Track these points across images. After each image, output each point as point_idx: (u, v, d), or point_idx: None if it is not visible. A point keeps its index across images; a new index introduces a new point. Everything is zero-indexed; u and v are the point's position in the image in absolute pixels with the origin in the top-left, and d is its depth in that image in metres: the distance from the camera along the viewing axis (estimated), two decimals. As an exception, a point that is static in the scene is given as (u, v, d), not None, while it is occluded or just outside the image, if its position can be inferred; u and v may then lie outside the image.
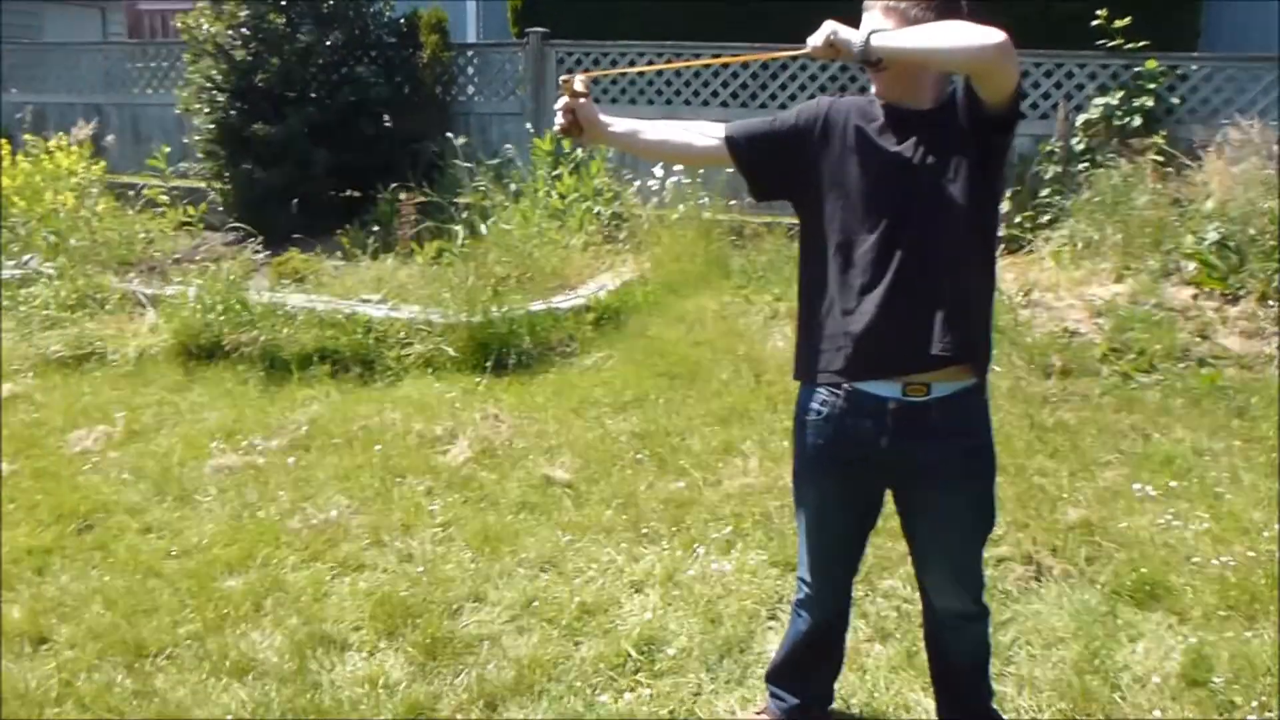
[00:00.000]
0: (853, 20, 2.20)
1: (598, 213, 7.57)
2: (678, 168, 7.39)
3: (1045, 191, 7.40)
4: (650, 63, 8.24)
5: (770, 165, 2.39)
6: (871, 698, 2.94)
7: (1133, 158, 7.11)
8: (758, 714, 2.82)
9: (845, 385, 2.30)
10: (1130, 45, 7.42)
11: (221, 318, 5.73)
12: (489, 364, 5.55)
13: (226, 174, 8.19)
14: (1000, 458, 2.51)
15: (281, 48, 7.87)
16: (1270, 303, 5.82)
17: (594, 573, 3.60)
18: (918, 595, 2.68)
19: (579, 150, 7.64)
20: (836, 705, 2.86)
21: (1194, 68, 7.63)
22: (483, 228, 7.07)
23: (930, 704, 2.81)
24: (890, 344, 2.23)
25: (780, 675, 2.78)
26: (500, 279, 6.18)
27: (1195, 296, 6.04)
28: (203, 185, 8.64)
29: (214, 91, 8.00)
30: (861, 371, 2.27)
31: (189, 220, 7.72)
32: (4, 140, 7.79)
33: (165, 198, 7.86)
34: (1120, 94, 7.51)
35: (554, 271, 6.66)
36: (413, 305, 6.03)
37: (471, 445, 4.61)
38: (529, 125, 8.25)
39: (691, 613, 3.34)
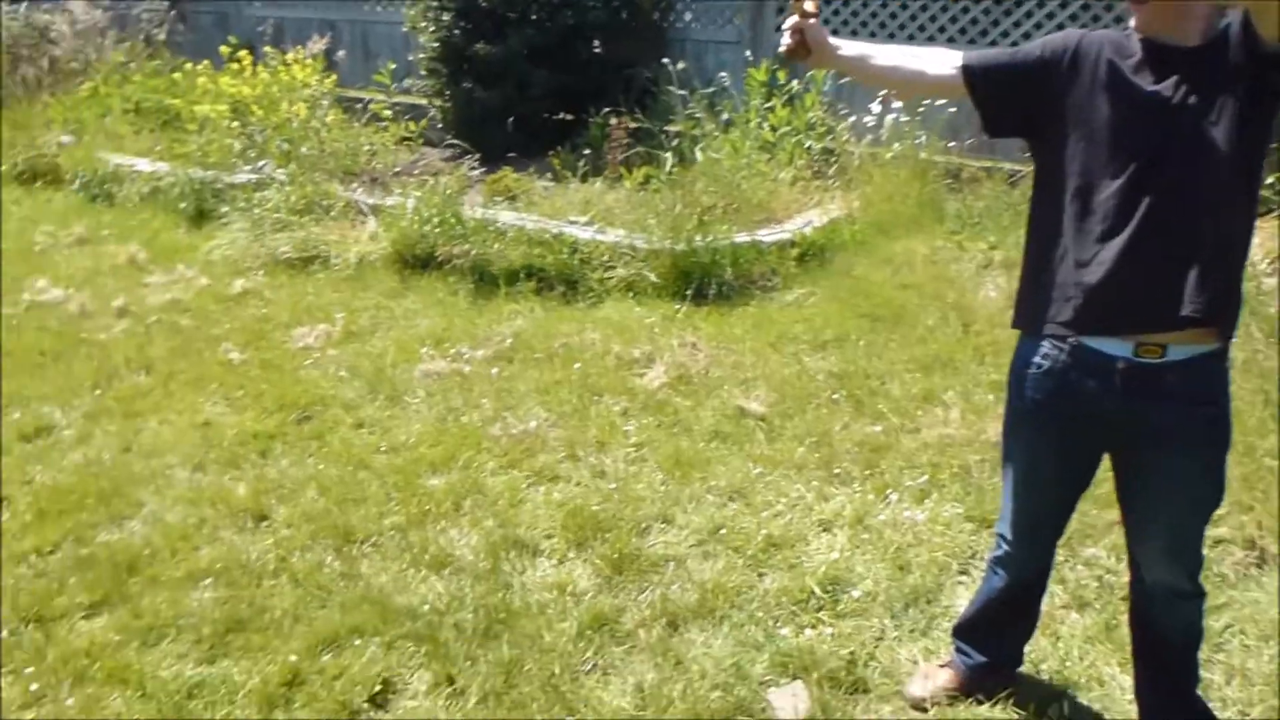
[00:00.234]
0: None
1: (809, 147, 7.40)
2: (896, 104, 7.13)
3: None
4: (876, -8, 7.94)
5: (1008, 99, 2.25)
6: (1063, 666, 2.82)
7: None
8: (941, 666, 2.76)
9: (1071, 339, 2.18)
10: None
11: (437, 230, 5.93)
12: (689, 292, 5.56)
13: (447, 92, 8.42)
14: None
15: (505, -31, 7.99)
16: None
17: (782, 507, 3.58)
18: (1123, 566, 2.54)
19: (794, 82, 7.47)
20: (1025, 669, 2.76)
21: None
22: (693, 155, 7.03)
23: (1126, 680, 2.68)
24: (1129, 299, 2.08)
25: (969, 631, 2.70)
26: (706, 208, 6.14)
27: None
28: (424, 102, 8.91)
29: (439, 10, 8.21)
30: (1091, 326, 2.14)
31: (409, 136, 7.99)
32: (246, 51, 8.23)
33: (389, 113, 8.15)
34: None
35: (760, 204, 6.57)
36: (618, 229, 6.08)
37: (668, 371, 4.64)
38: (747, 53, 8.12)
39: (879, 558, 3.28)
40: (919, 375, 4.59)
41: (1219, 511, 3.18)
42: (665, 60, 7.73)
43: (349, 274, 5.88)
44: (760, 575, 3.22)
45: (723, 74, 7.80)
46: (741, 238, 5.97)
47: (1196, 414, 2.14)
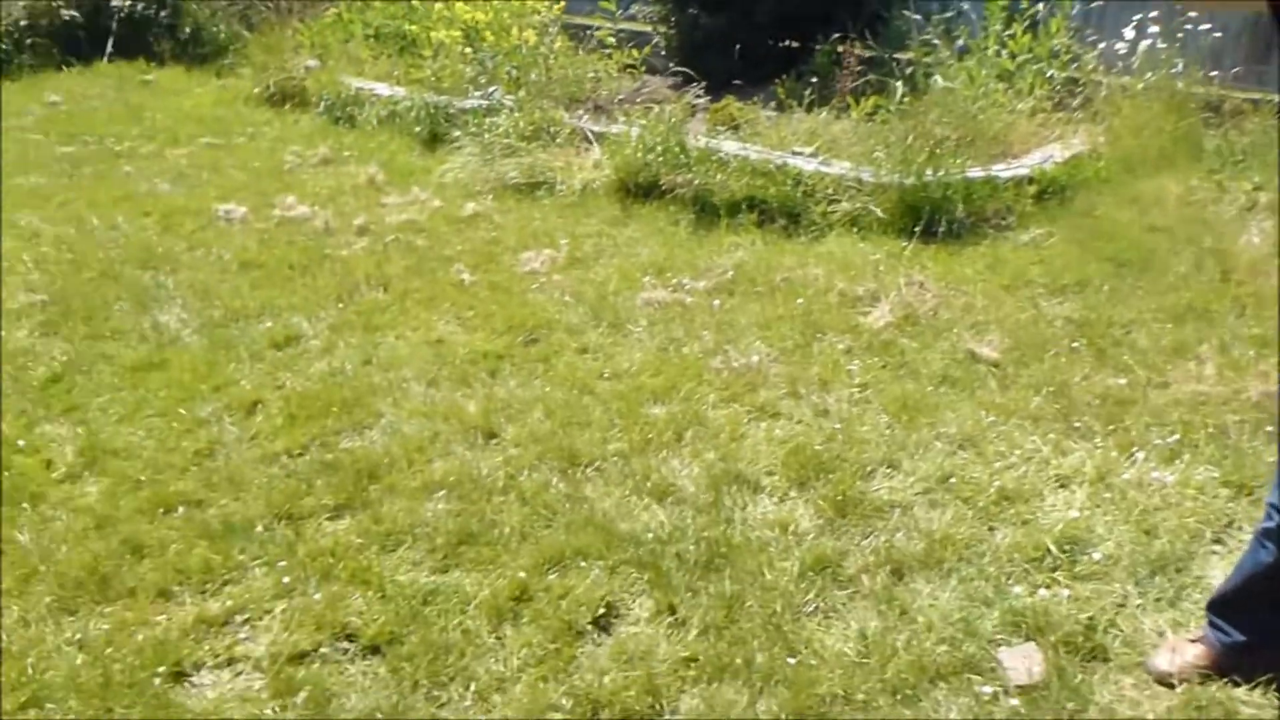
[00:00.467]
0: None
1: (1050, 76, 6.94)
2: (1153, 29, 6.58)
3: None
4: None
5: None
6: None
7: None
8: (1191, 641, 2.58)
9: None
10: None
11: (660, 159, 5.90)
12: (917, 229, 5.35)
13: (673, 18, 8.35)
14: None
15: (736, -112, 7.78)
16: None
17: (1016, 459, 3.41)
18: None
19: (1039, 5, 7.00)
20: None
21: None
22: (925, 85, 6.72)
23: None
24: None
25: (1227, 606, 2.51)
26: (938, 141, 5.87)
27: None
28: (649, 29, 8.87)
29: (669, -66, 8.13)
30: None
31: (632, 63, 7.98)
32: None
33: (613, 40, 8.16)
34: None
35: (996, 137, 6.22)
36: (843, 161, 5.90)
37: (893, 310, 4.49)
38: (986, -23, 7.66)
39: (1122, 519, 3.08)
40: (1169, 326, 4.26)
41: None
42: (900, -18, 7.39)
43: (573, 200, 5.95)
44: (991, 529, 3.08)
45: (962, -2, 7.40)
46: (975, 172, 5.69)
47: None
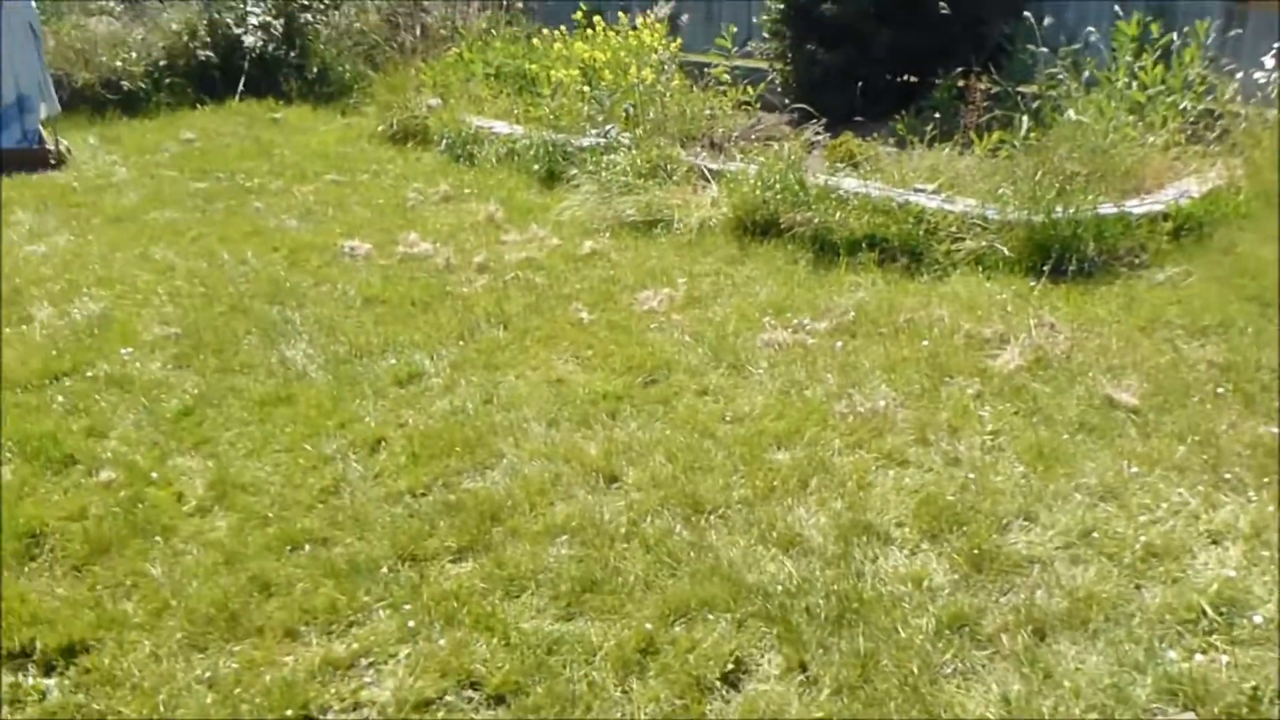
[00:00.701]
0: None
1: (1184, 108, 6.69)
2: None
3: None
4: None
5: None
6: None
7: None
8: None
9: None
10: None
11: (778, 196, 5.85)
12: (1046, 268, 5.18)
13: (789, 55, 8.31)
14: None
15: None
16: None
17: (1162, 513, 3.24)
18: None
19: (1171, 35, 6.76)
20: None
21: None
22: (1056, 117, 6.53)
23: None
24: None
25: None
26: (1067, 176, 5.69)
27: None
28: (764, 66, 8.85)
29: (787, -31, 8.10)
30: None
31: (747, 100, 7.96)
32: (597, 16, 8.47)
33: (727, 77, 8.16)
34: None
35: (1128, 172, 6.01)
36: (968, 198, 5.76)
37: (1023, 353, 4.34)
38: (1116, 6, 7.43)
39: (1284, 580, 2.90)
40: (1324, 371, 4.03)
41: None
42: (1027, 15, 7.21)
43: (690, 238, 5.93)
44: (1138, 587, 2.92)
45: (1090, 29, 7.19)
46: (1107, 209, 5.50)
47: None
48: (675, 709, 2.57)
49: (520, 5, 10.62)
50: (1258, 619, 2.75)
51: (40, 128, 8.25)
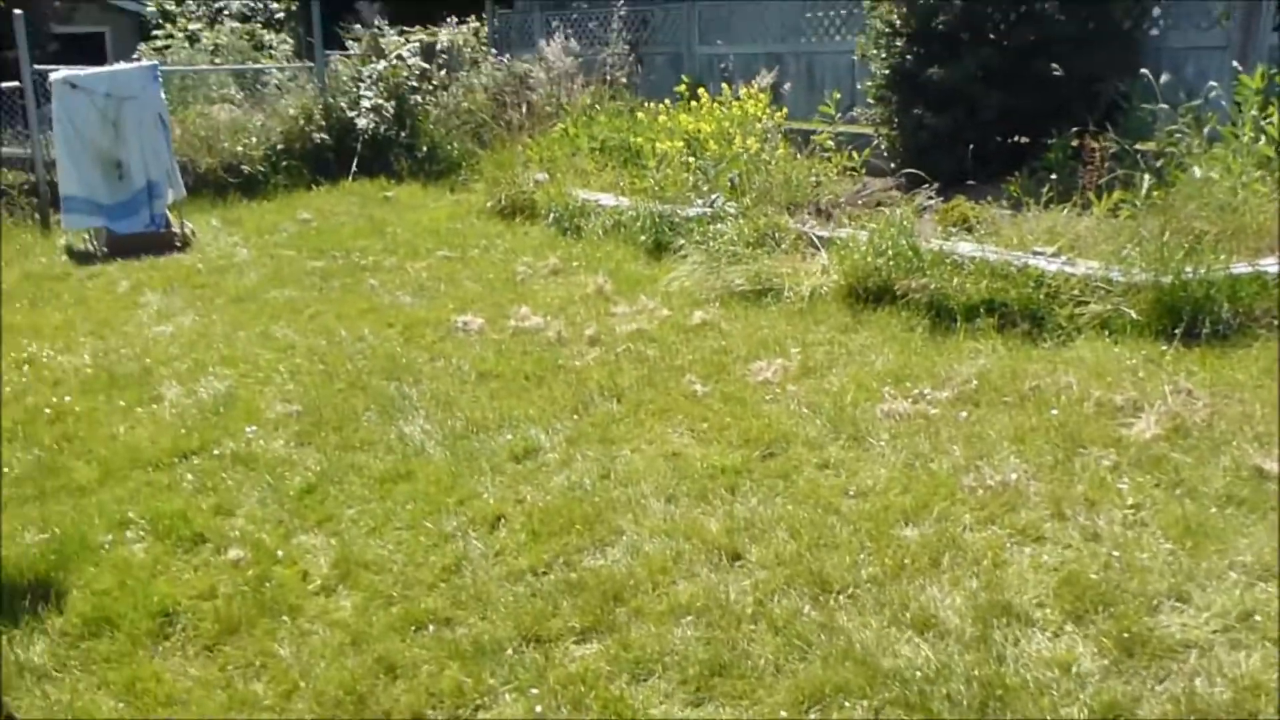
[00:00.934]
0: None
1: (1315, 162, 6.44)
2: None
3: None
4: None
5: None
6: None
7: None
8: None
9: None
10: None
11: (891, 262, 5.76)
12: (1177, 331, 4.98)
13: (895, 119, 8.27)
14: None
15: (962, -12, 7.70)
16: None
17: (1329, 594, 3.03)
18: None
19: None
20: None
21: None
22: (1178, 175, 6.33)
23: None
24: None
25: None
26: (1196, 235, 5.49)
27: None
28: (868, 131, 8.82)
29: (892, 37, 8.08)
30: None
31: (853, 165, 7.92)
32: (701, 88, 8.57)
33: (831, 143, 8.14)
34: None
35: (1260, 229, 5.78)
36: (1090, 260, 5.59)
37: (1160, 421, 4.15)
38: (1235, 63, 7.23)
39: None
40: None
41: None
42: (1144, 72, 7.05)
43: (801, 307, 5.87)
44: (1309, 677, 2.73)
45: (1212, 83, 6.98)
46: (1240, 268, 5.28)
47: None
48: (815, 804, 2.46)
49: (624, 80, 10.82)
50: None
51: (167, 212, 8.64)
